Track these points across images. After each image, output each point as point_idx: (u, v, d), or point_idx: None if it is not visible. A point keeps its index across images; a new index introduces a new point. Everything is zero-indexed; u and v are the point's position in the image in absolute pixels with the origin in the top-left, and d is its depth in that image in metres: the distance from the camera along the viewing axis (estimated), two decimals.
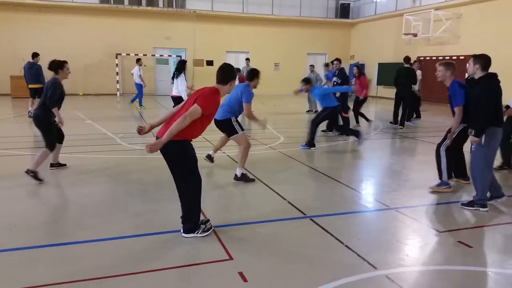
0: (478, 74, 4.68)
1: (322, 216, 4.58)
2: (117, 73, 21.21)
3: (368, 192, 5.69)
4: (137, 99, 15.82)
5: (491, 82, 4.61)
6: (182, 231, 3.94)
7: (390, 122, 12.18)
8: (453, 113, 5.26)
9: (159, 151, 3.59)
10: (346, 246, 3.79)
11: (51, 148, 5.87)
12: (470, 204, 4.85)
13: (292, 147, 8.52)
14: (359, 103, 11.88)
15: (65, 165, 6.53)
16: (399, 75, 11.80)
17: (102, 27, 21.10)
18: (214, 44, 22.94)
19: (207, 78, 16.48)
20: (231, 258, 3.51)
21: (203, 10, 22.57)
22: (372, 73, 23.59)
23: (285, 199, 5.16)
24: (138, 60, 16.00)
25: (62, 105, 6.11)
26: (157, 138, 3.65)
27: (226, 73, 3.97)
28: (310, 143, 8.33)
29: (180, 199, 3.92)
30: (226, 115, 5.86)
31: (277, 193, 5.43)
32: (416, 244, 3.93)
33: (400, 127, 11.59)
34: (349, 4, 25.81)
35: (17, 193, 5.30)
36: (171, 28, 22.30)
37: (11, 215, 4.51)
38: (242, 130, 5.90)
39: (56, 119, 5.98)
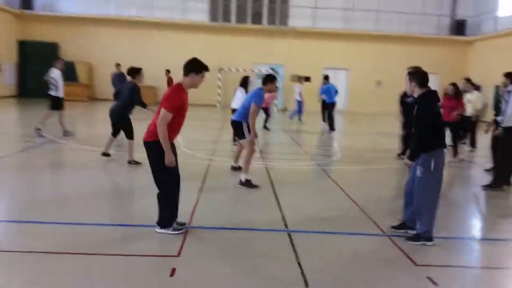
0: (417, 92, 4.25)
1: (302, 232, 4.51)
2: (219, 87, 22.75)
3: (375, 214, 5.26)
4: (297, 115, 16.64)
5: (430, 101, 4.18)
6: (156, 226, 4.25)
7: None
8: None
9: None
10: (298, 263, 3.71)
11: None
12: (416, 238, 4.27)
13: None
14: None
15: (140, 163, 6.95)
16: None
17: (209, 43, 22.89)
18: (312, 60, 23.11)
19: (304, 94, 17.04)
20: (178, 255, 3.73)
21: (304, 26, 22.98)
22: (490, 96, 21.18)
23: (280, 211, 5.16)
24: (300, 78, 17.10)
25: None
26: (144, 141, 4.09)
27: (186, 66, 4.13)
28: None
29: (157, 195, 4.24)
30: (239, 118, 6.17)
31: (278, 203, 5.46)
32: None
33: None
34: (465, 20, 23.66)
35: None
36: (271, 44, 23.17)
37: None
38: (250, 134, 6.10)
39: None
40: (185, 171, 6.92)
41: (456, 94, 9.01)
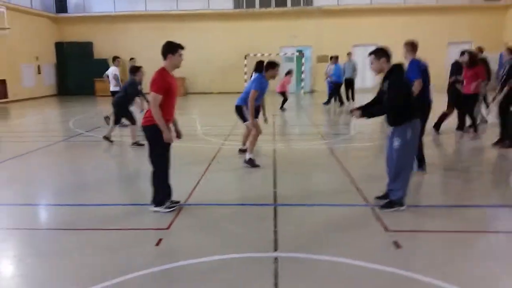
0: (386, 67, 4.38)
1: (288, 206, 4.82)
2: (245, 73, 23.08)
3: (361, 186, 5.42)
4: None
5: (401, 74, 4.34)
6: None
7: None
8: None
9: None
10: (274, 231, 4.05)
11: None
12: (389, 205, 4.52)
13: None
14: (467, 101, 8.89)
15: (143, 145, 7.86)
16: None
17: (235, 30, 23.21)
18: (340, 39, 22.81)
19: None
20: (167, 228, 4.18)
21: (329, 5, 22.69)
22: None
23: (274, 187, 5.50)
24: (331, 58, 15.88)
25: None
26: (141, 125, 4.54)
27: (162, 49, 4.39)
28: None
29: (151, 175, 4.63)
30: (240, 102, 6.58)
31: (275, 181, 5.79)
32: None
33: None
34: None
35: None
36: (297, 26, 23.07)
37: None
38: (255, 117, 6.46)
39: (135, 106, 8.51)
40: (196, 154, 7.52)
41: (472, 63, 8.46)
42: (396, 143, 4.40)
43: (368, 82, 21.92)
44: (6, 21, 16.99)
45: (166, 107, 4.39)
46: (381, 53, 4.39)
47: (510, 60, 7.67)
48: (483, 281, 3.14)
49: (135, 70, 8.32)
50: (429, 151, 6.88)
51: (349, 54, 16.02)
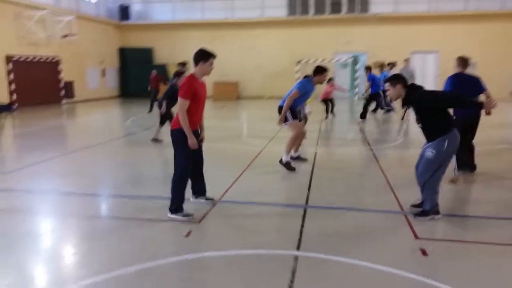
0: (404, 93, 4.40)
1: (318, 208, 4.85)
2: (297, 79, 23.10)
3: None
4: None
5: (423, 90, 4.39)
6: None
7: None
8: None
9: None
10: (300, 232, 4.09)
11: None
12: (424, 213, 4.39)
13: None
14: None
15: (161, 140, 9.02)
16: None
17: (288, 37, 23.38)
18: (397, 45, 22.22)
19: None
20: (199, 222, 4.37)
21: (385, 12, 22.21)
22: None
23: (309, 190, 5.53)
24: (383, 65, 15.48)
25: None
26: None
27: (194, 57, 4.41)
28: None
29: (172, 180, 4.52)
30: (282, 103, 6.46)
31: (310, 183, 5.81)
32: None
33: None
34: None
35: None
36: (351, 32, 22.81)
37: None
38: (295, 119, 6.40)
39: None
40: (237, 155, 7.72)
41: None
42: (430, 153, 4.29)
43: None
44: (75, 28, 18.39)
45: (193, 113, 4.41)
46: (396, 80, 4.37)
47: None
48: None
49: (178, 74, 8.66)
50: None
51: (406, 60, 15.48)
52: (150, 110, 15.21)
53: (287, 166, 6.40)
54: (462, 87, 5.77)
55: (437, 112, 4.24)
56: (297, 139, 6.51)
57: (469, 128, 5.85)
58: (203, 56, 4.40)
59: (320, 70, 6.42)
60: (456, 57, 6.20)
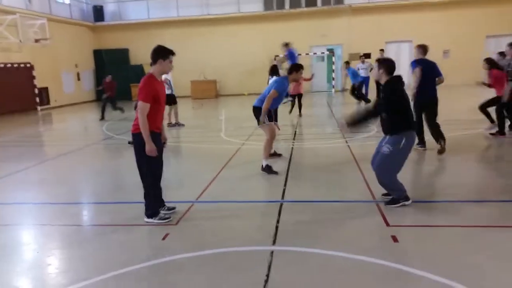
0: (384, 79, 4.47)
1: (294, 202, 4.95)
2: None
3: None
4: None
5: (395, 86, 4.41)
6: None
7: None
8: None
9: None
10: (276, 226, 4.17)
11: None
12: (394, 201, 4.57)
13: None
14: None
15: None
16: None
17: (265, 32, 23.38)
18: (372, 36, 22.49)
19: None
20: (176, 224, 4.41)
21: (359, 3, 22.42)
22: None
23: (285, 185, 5.64)
24: (361, 57, 16.34)
25: None
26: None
27: (152, 54, 4.21)
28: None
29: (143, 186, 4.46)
30: (258, 103, 6.35)
31: (286, 179, 5.90)
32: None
33: None
34: None
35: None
36: (327, 25, 22.94)
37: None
38: (269, 121, 6.32)
39: None
40: (214, 155, 7.76)
41: (492, 67, 8.35)
42: (386, 149, 4.45)
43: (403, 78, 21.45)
44: (47, 31, 18.02)
45: (155, 115, 4.21)
46: (383, 64, 4.49)
47: None
48: (477, 274, 3.13)
49: None
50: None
51: (381, 50, 15.71)
52: (102, 117, 14.51)
53: (269, 170, 6.24)
54: (428, 70, 6.88)
55: (402, 109, 4.42)
56: (272, 141, 6.47)
57: (427, 108, 7.01)
58: (162, 54, 4.19)
59: (295, 68, 6.34)
60: (416, 45, 7.19)
